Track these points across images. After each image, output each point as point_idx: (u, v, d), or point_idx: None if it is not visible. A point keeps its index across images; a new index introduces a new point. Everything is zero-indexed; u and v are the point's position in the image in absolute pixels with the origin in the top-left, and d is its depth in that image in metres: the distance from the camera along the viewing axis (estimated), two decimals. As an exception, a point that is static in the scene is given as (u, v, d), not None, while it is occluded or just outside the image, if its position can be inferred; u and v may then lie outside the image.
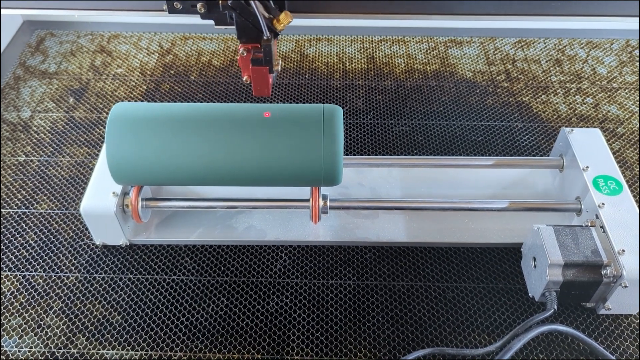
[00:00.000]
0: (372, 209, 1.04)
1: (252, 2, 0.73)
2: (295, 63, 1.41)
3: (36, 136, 1.22)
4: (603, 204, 0.91)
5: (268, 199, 0.99)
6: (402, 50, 1.45)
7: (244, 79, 0.84)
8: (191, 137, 0.88)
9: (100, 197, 0.95)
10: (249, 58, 0.81)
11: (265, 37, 0.76)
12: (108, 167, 0.89)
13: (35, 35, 1.50)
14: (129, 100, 1.29)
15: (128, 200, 0.96)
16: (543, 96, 1.31)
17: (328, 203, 0.96)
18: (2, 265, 0.98)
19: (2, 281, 0.96)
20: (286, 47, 1.46)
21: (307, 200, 0.96)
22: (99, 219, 0.96)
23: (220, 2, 0.77)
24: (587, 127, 1.24)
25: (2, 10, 0.90)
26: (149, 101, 1.30)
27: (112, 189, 0.95)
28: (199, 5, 0.79)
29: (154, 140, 0.88)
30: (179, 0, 0.79)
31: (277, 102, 1.30)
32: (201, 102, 1.29)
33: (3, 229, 1.03)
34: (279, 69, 0.82)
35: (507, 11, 0.91)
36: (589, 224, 0.90)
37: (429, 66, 1.40)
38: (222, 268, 0.98)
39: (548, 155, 1.16)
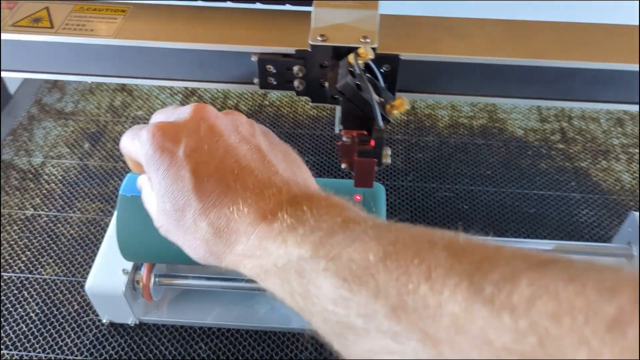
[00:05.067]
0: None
1: (368, 86, 0.60)
2: (329, 111, 1.30)
3: (46, 186, 1.12)
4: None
5: (295, 282, 0.88)
6: (446, 101, 1.33)
7: (342, 167, 0.68)
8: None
9: (108, 274, 0.85)
10: (353, 147, 0.69)
11: (377, 128, 0.62)
12: (117, 244, 0.80)
13: (55, 68, 1.41)
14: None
15: (139, 277, 0.86)
16: (603, 162, 1.18)
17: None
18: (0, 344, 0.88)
19: (-4, 362, 0.86)
20: (319, 91, 1.35)
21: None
22: (106, 299, 0.86)
23: (326, 86, 0.66)
24: (655, 201, 1.10)
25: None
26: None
27: (121, 265, 0.85)
28: (296, 83, 0.70)
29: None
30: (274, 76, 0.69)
31: (309, 159, 1.19)
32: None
33: (3, 297, 0.94)
34: (389, 160, 0.66)
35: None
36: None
37: (475, 120, 1.28)
38: (241, 358, 0.87)
39: (609, 234, 1.03)
